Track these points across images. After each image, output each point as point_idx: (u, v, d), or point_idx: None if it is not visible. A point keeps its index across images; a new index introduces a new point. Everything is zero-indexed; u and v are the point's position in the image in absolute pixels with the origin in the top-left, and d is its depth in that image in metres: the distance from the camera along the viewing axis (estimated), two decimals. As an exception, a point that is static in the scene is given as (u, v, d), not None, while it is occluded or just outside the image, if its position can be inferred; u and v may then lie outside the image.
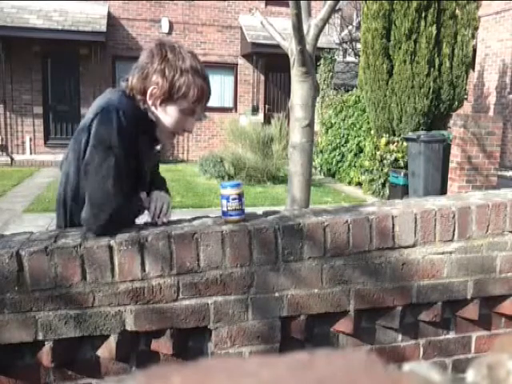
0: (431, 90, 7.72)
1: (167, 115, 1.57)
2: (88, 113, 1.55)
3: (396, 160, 8.11)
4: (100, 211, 1.43)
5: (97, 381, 1.48)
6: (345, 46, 20.91)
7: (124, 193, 1.49)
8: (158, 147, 1.73)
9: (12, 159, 12.28)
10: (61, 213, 1.62)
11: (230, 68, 14.34)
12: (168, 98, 1.53)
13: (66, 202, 1.59)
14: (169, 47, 1.54)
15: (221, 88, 14.36)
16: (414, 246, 1.63)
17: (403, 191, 7.71)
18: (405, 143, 7.84)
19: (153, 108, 1.57)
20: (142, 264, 1.42)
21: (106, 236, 1.44)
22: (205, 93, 1.57)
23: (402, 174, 7.78)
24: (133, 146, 1.51)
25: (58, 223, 1.67)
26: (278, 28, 3.76)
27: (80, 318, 1.40)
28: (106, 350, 1.45)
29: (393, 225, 1.60)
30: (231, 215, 1.55)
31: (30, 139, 12.85)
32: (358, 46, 16.00)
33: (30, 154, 12.79)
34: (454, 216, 1.65)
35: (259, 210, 1.77)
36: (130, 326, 1.44)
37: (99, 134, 1.45)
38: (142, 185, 1.64)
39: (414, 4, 7.61)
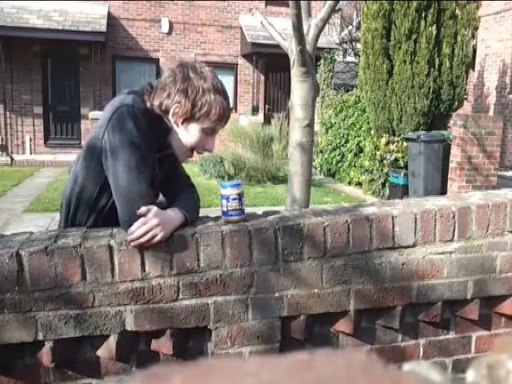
0: (431, 90, 7.72)
1: (189, 134, 1.57)
2: (101, 118, 1.53)
3: (396, 160, 8.11)
4: (138, 206, 1.41)
5: (97, 381, 1.48)
6: (345, 45, 20.91)
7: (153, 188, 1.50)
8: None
9: (12, 159, 12.28)
10: (64, 212, 1.63)
11: (230, 68, 14.34)
12: (190, 117, 1.54)
13: (71, 202, 1.59)
14: (190, 67, 1.55)
15: (221, 88, 14.33)
16: (413, 246, 1.63)
17: (403, 191, 7.70)
18: (405, 143, 7.84)
19: (174, 126, 1.56)
20: (142, 264, 1.42)
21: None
22: (226, 111, 1.58)
23: (402, 173, 7.78)
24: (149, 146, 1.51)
25: (59, 222, 1.67)
26: (278, 28, 3.76)
27: (80, 318, 1.40)
28: (106, 350, 1.45)
29: (393, 225, 1.60)
30: (231, 215, 1.55)
31: (30, 139, 12.86)
32: (358, 46, 16.00)
33: (30, 153, 12.80)
34: (454, 216, 1.65)
35: (259, 210, 1.77)
36: (130, 326, 1.44)
37: (118, 135, 1.44)
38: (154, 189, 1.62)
39: (414, 4, 7.60)
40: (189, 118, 1.54)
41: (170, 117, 1.55)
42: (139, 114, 1.47)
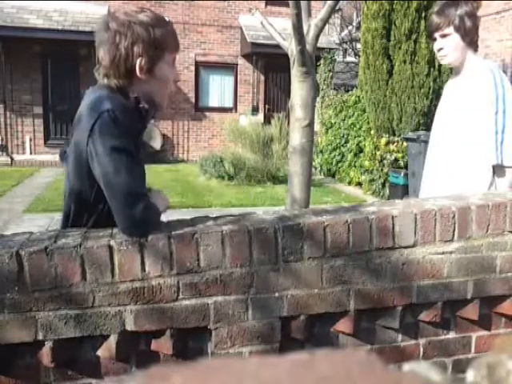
0: (431, 90, 7.72)
1: (160, 77, 1.56)
2: (81, 118, 1.50)
3: (396, 160, 8.11)
4: (134, 211, 1.41)
5: (97, 381, 1.48)
6: (345, 46, 20.90)
7: (145, 190, 1.51)
8: (158, 147, 1.72)
9: (12, 159, 12.28)
10: (64, 213, 1.63)
11: (230, 68, 14.33)
12: (153, 59, 1.51)
13: (70, 204, 1.59)
14: (120, 15, 1.51)
15: (221, 88, 14.35)
16: (413, 246, 1.63)
17: (403, 191, 7.70)
18: (405, 143, 7.84)
19: (143, 84, 1.54)
20: (142, 264, 1.42)
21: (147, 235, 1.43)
22: (176, 35, 1.59)
23: (402, 173, 7.78)
24: (134, 143, 1.51)
25: (60, 224, 1.67)
26: (278, 28, 3.76)
27: (80, 318, 1.40)
28: (106, 350, 1.45)
29: (393, 225, 1.60)
30: None
31: (30, 139, 12.85)
32: (358, 46, 16.00)
33: (30, 153, 12.79)
34: (454, 216, 1.65)
35: (259, 210, 1.77)
36: (130, 326, 1.44)
37: (107, 142, 1.42)
38: (144, 182, 1.62)
39: (414, 4, 7.61)
40: (153, 62, 1.52)
41: (137, 74, 1.51)
42: (120, 115, 1.45)
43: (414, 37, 7.73)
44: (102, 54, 1.51)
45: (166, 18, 1.63)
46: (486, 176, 2.19)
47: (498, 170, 2.18)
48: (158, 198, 1.62)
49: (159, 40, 1.50)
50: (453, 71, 2.47)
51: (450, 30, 2.23)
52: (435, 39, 2.31)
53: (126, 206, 1.41)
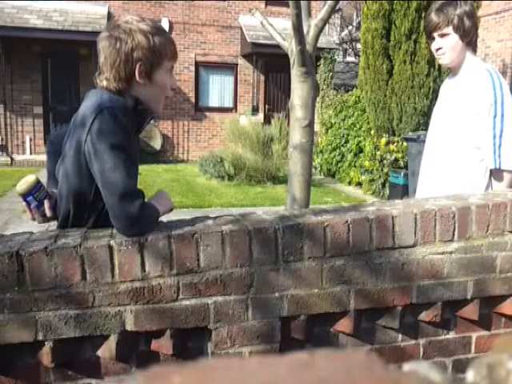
0: (431, 90, 7.72)
1: (157, 82, 1.60)
2: (82, 117, 1.52)
3: (396, 160, 8.12)
4: (130, 207, 1.41)
5: (97, 381, 1.48)
6: (345, 46, 20.90)
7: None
8: (158, 147, 1.74)
9: (12, 159, 12.28)
10: (63, 213, 1.62)
11: (230, 68, 14.34)
12: (152, 65, 1.56)
13: (69, 203, 1.59)
14: (121, 23, 1.57)
15: (221, 88, 14.35)
16: (414, 245, 1.63)
17: (403, 191, 7.70)
18: (405, 143, 7.84)
19: (143, 84, 1.58)
20: (142, 264, 1.42)
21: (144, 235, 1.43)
22: (175, 44, 1.64)
23: (402, 173, 7.79)
24: (131, 143, 1.52)
25: (58, 222, 1.67)
26: (278, 28, 3.76)
27: (80, 318, 1.40)
28: (106, 350, 1.45)
29: (393, 225, 1.60)
30: None
31: (30, 139, 12.85)
32: (358, 46, 16.00)
33: (30, 154, 12.80)
34: (454, 216, 1.65)
35: (259, 210, 1.77)
36: (130, 326, 1.44)
37: (104, 140, 1.43)
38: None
39: (414, 4, 7.61)
40: (151, 68, 1.56)
41: (137, 78, 1.55)
42: (119, 114, 1.47)
43: (414, 37, 7.73)
44: (103, 59, 1.56)
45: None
46: (483, 178, 2.19)
47: (496, 173, 2.18)
48: (162, 198, 1.62)
49: (158, 47, 1.55)
50: (451, 71, 2.46)
51: (449, 29, 2.21)
52: (433, 39, 2.29)
53: (122, 203, 1.41)
